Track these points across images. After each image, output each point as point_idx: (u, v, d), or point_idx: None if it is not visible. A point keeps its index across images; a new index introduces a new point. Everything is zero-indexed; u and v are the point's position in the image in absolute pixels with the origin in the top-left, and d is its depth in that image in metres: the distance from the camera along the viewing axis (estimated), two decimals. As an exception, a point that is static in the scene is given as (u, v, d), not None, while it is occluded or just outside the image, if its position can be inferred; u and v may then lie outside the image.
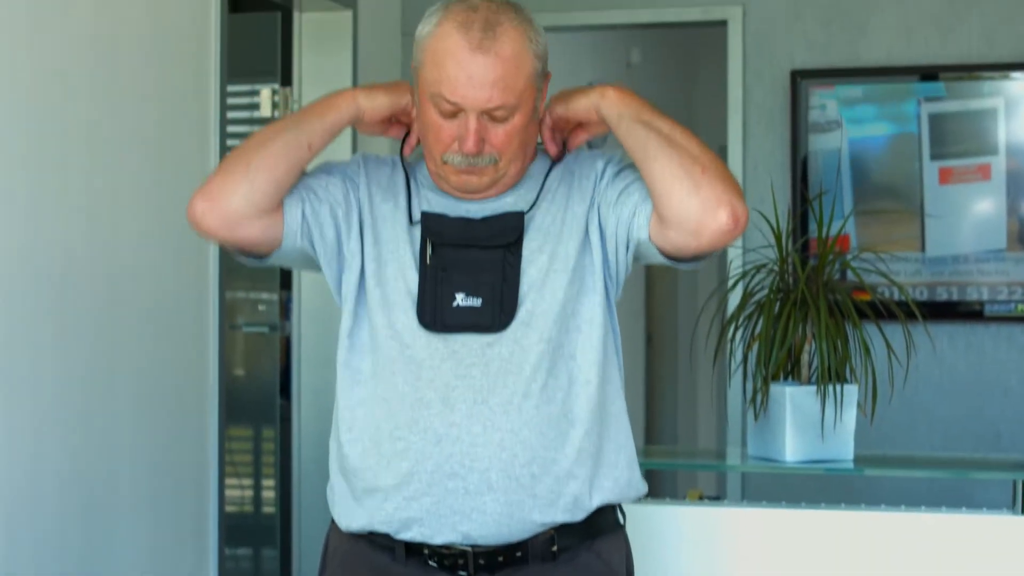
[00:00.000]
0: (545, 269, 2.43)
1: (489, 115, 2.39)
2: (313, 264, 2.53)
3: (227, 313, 4.76)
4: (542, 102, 2.50)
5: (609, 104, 2.47)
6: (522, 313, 2.40)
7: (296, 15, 5.44)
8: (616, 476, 2.46)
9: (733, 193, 2.36)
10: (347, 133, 5.45)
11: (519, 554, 2.39)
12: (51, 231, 3.73)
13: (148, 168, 4.18)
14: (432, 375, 2.37)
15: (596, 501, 2.43)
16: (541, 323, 2.40)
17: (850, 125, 5.61)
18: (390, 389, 2.39)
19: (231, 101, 4.93)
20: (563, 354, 2.41)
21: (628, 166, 2.50)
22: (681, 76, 9.52)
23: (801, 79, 5.64)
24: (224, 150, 4.54)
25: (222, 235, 2.43)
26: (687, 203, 2.36)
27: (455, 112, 2.40)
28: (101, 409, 3.93)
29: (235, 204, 2.41)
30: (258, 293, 5.71)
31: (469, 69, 2.38)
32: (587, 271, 2.46)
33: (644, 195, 2.44)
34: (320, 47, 5.45)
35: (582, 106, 2.50)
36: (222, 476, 4.53)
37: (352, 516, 2.45)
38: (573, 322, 2.43)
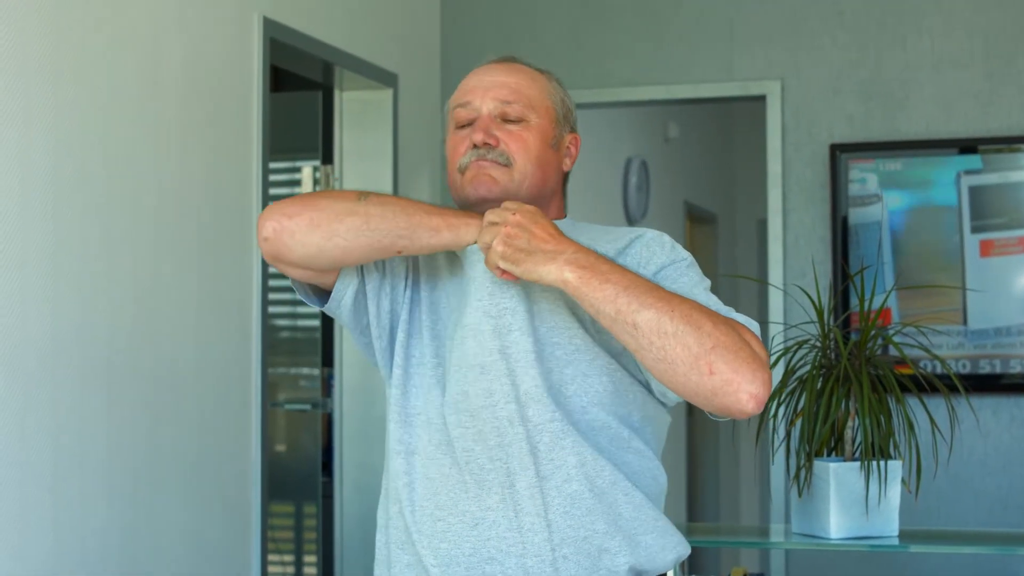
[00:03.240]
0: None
1: (501, 116, 2.41)
2: (360, 324, 2.48)
3: (269, 390, 4.77)
4: (567, 157, 2.50)
5: (573, 292, 2.22)
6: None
7: (337, 93, 5.49)
8: (649, 543, 2.37)
9: (757, 364, 2.16)
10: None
11: None
12: (98, 310, 3.76)
13: (192, 245, 4.21)
14: (467, 456, 2.33)
15: (632, 570, 2.38)
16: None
17: (890, 198, 5.61)
18: (431, 467, 2.38)
19: (273, 178, 4.97)
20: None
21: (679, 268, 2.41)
22: (719, 150, 9.55)
23: (840, 153, 5.64)
24: (266, 228, 4.56)
25: (269, 259, 2.38)
26: (697, 389, 2.16)
27: (470, 119, 2.43)
28: (146, 485, 3.94)
29: (295, 252, 2.32)
30: (299, 369, 5.73)
31: (484, 76, 2.46)
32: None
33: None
34: (361, 125, 5.49)
35: (539, 278, 2.25)
36: (264, 552, 4.53)
37: None
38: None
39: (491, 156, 2.38)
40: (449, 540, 2.33)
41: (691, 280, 2.35)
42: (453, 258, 2.46)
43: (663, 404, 2.38)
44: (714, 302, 2.30)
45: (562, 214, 2.52)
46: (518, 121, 2.41)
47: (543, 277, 2.21)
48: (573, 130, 2.52)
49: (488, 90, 2.44)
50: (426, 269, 2.48)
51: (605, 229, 2.48)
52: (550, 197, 2.47)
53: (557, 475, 2.29)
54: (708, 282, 2.38)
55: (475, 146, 2.40)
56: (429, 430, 2.38)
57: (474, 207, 2.40)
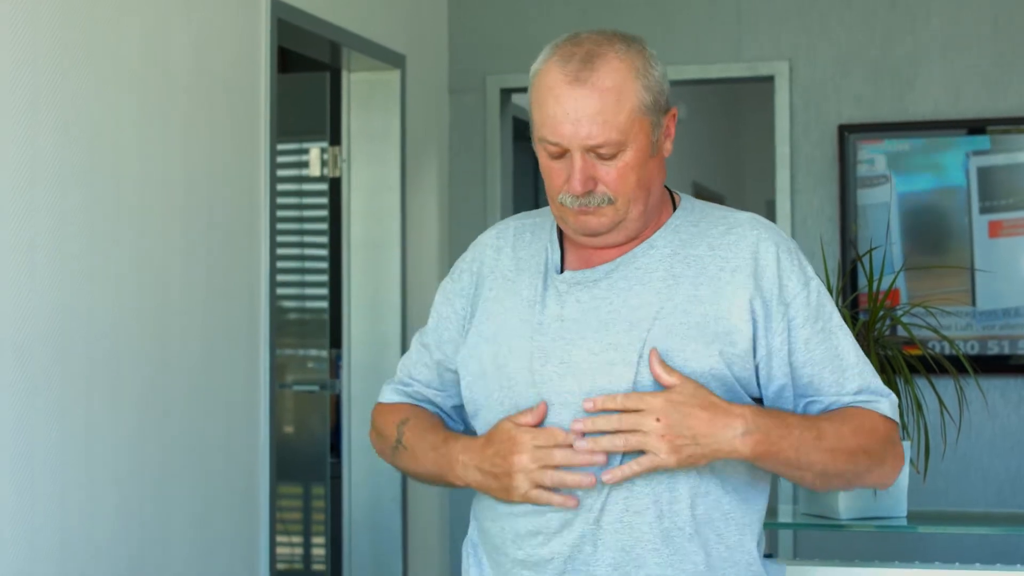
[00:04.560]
0: None
1: (595, 153, 2.30)
2: None
3: (277, 371, 4.77)
4: (667, 139, 2.38)
5: (747, 455, 2.29)
6: None
7: (344, 75, 5.49)
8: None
9: (897, 459, 2.38)
10: (395, 143, 5.48)
11: None
12: (105, 294, 3.76)
13: (198, 226, 4.21)
14: None
15: None
16: None
17: (898, 179, 5.60)
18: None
19: (281, 160, 4.97)
20: None
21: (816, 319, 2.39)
22: (727, 131, 9.54)
23: (849, 134, 5.63)
24: (274, 208, 4.58)
25: None
26: (868, 488, 2.47)
27: (562, 152, 2.31)
28: (154, 468, 3.95)
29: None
30: (307, 350, 5.74)
31: (566, 105, 2.30)
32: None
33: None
34: (369, 106, 5.49)
35: (714, 450, 2.28)
36: (273, 534, 4.54)
37: None
38: None
39: (592, 203, 2.31)
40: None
41: (833, 327, 2.38)
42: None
43: None
44: (857, 358, 2.38)
45: (669, 201, 2.44)
46: (612, 157, 2.30)
47: (718, 457, 2.28)
48: (668, 108, 2.38)
49: (576, 130, 2.29)
50: None
51: (723, 217, 2.41)
52: (658, 196, 2.40)
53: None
54: (838, 314, 2.41)
55: (574, 194, 2.32)
56: None
57: (583, 240, 2.38)
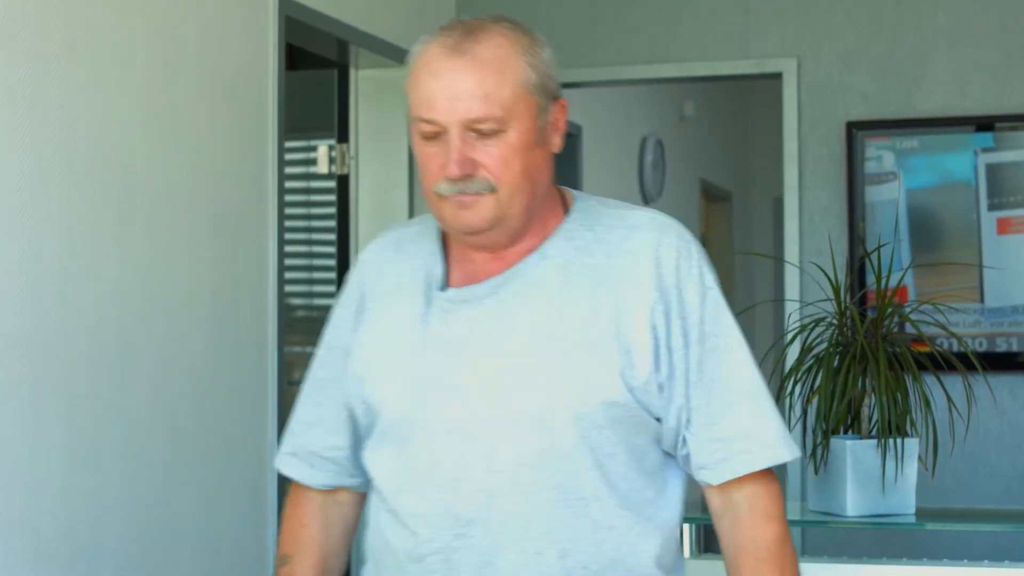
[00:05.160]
0: None
1: (475, 131, 2.08)
2: None
3: (285, 368, 4.77)
4: (556, 132, 2.18)
5: None
6: None
7: (352, 72, 5.49)
8: None
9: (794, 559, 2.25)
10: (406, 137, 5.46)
11: None
12: (112, 291, 3.76)
13: (207, 224, 4.21)
14: None
15: None
16: None
17: (906, 176, 5.59)
18: None
19: (289, 157, 4.97)
20: None
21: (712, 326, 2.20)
22: (735, 128, 9.53)
23: (857, 130, 5.63)
24: (282, 205, 4.57)
25: None
26: None
27: (439, 132, 2.09)
28: (162, 466, 3.95)
29: None
30: (315, 347, 5.73)
31: (444, 79, 2.08)
32: None
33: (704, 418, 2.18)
34: (376, 103, 5.49)
35: None
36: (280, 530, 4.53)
37: None
38: None
39: (471, 189, 2.09)
40: None
41: (730, 346, 2.21)
42: None
43: None
44: (753, 387, 2.21)
45: (560, 203, 2.23)
46: (494, 135, 2.08)
47: None
48: (556, 97, 2.18)
49: (453, 104, 2.07)
50: None
51: (621, 218, 2.22)
52: (545, 195, 2.19)
53: None
54: (738, 332, 2.25)
55: (451, 178, 2.10)
56: None
57: (461, 239, 2.18)
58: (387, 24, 5.36)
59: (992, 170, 5.53)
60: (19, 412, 3.42)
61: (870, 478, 3.57)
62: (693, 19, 5.83)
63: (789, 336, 3.91)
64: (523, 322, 2.13)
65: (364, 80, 5.49)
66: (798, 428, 3.83)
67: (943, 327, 3.85)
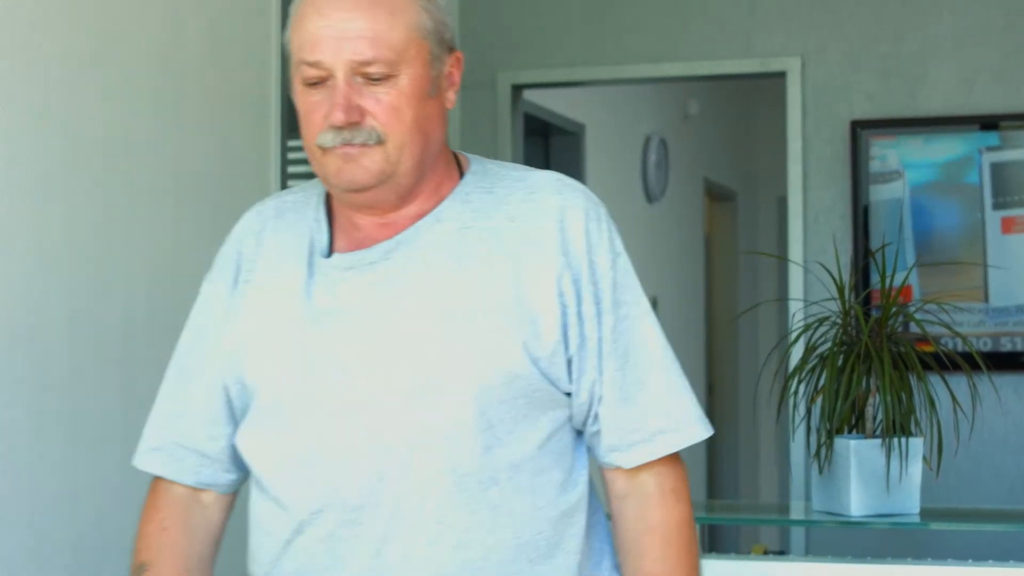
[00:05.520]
0: None
1: (363, 75, 1.91)
2: None
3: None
4: (450, 87, 2.02)
5: None
6: None
7: (356, 71, 5.48)
8: None
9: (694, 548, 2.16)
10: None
11: None
12: (115, 288, 3.76)
13: (209, 222, 4.21)
14: None
15: None
16: None
17: (911, 175, 5.58)
18: None
19: (291, 156, 4.96)
20: None
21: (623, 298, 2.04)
22: (739, 127, 9.52)
23: (861, 129, 5.62)
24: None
25: None
26: None
27: (323, 78, 1.92)
28: (164, 464, 3.95)
29: None
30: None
31: (330, 17, 1.92)
32: None
33: (618, 396, 2.03)
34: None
35: None
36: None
37: None
38: None
39: (358, 139, 1.92)
40: None
41: (640, 314, 2.05)
42: None
43: None
44: (658, 344, 2.06)
45: (455, 167, 2.07)
46: (383, 80, 1.92)
47: None
48: (452, 49, 2.02)
49: (340, 45, 1.91)
50: None
51: (522, 179, 2.06)
52: (437, 154, 2.01)
53: None
54: (646, 301, 2.07)
55: (336, 126, 1.93)
56: None
57: (346, 198, 2.00)
58: (390, 23, 5.35)
59: (997, 169, 5.52)
60: (24, 414, 3.42)
61: (874, 478, 3.57)
62: (697, 18, 5.82)
63: (793, 335, 3.90)
64: (415, 291, 1.95)
65: (367, 79, 5.48)
66: (802, 428, 3.82)
67: (947, 326, 3.85)
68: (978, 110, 5.56)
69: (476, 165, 2.07)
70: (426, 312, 1.94)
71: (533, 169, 2.09)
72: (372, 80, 1.92)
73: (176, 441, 2.16)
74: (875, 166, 5.60)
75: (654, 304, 7.99)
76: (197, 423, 2.12)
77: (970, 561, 3.58)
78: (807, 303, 4.00)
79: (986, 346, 5.49)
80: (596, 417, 2.03)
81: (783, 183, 5.80)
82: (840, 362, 3.65)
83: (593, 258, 2.00)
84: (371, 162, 1.93)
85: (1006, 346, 5.50)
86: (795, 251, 5.62)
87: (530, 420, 1.97)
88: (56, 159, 3.56)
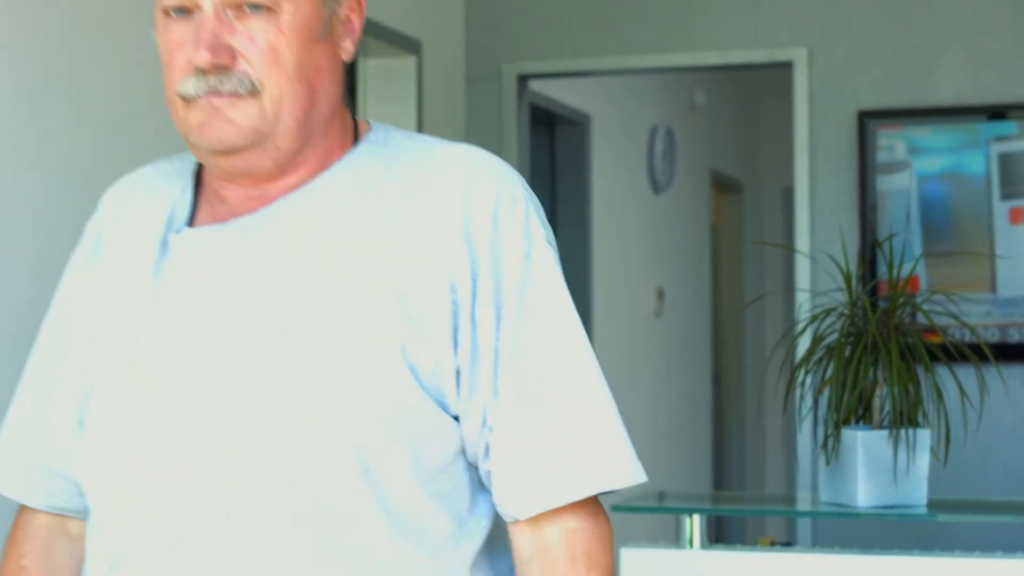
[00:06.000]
0: None
1: (235, 8, 1.57)
2: None
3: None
4: (348, 35, 1.69)
5: None
6: None
7: (360, 61, 5.47)
8: None
9: None
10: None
11: None
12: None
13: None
14: None
15: None
16: None
17: (918, 165, 5.57)
18: None
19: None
20: None
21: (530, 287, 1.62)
22: (745, 118, 9.50)
23: (868, 120, 5.60)
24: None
25: None
26: None
27: (187, 9, 1.58)
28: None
29: None
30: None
31: None
32: None
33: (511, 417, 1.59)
34: (385, 93, 5.47)
35: None
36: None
37: None
38: None
39: (227, 87, 1.56)
40: None
41: (562, 323, 1.62)
42: None
43: None
44: (578, 362, 1.63)
45: (351, 134, 1.69)
46: (261, 12, 1.57)
47: None
48: None
49: None
50: None
51: (428, 151, 1.69)
52: (328, 116, 1.65)
53: None
54: (572, 312, 1.64)
55: (200, 70, 1.57)
56: None
57: (213, 162, 1.63)
58: (396, 13, 5.34)
59: (1005, 159, 5.50)
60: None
61: (882, 469, 3.56)
62: (703, 8, 5.80)
63: (800, 326, 3.89)
64: (274, 277, 1.58)
65: (372, 69, 5.47)
66: (809, 419, 3.81)
67: (956, 317, 3.83)
68: (986, 100, 5.54)
69: (377, 134, 1.70)
70: (283, 304, 1.57)
71: (447, 141, 1.72)
72: (247, 14, 1.57)
73: (29, 458, 1.72)
74: (882, 156, 5.58)
75: (660, 296, 8.01)
76: (49, 433, 1.70)
77: (978, 553, 3.57)
78: (814, 294, 3.98)
79: (994, 337, 5.47)
80: (487, 451, 1.59)
81: (789, 174, 5.78)
82: (847, 353, 3.64)
83: (499, 249, 1.59)
84: (242, 116, 1.57)
85: (1014, 337, 5.48)
86: (802, 242, 5.61)
87: (410, 448, 1.56)
88: (58, 158, 3.55)
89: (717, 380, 9.05)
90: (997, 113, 5.52)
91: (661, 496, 3.85)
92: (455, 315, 1.58)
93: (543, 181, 6.78)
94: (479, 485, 1.63)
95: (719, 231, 9.30)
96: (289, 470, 1.54)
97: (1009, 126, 5.51)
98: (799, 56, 5.70)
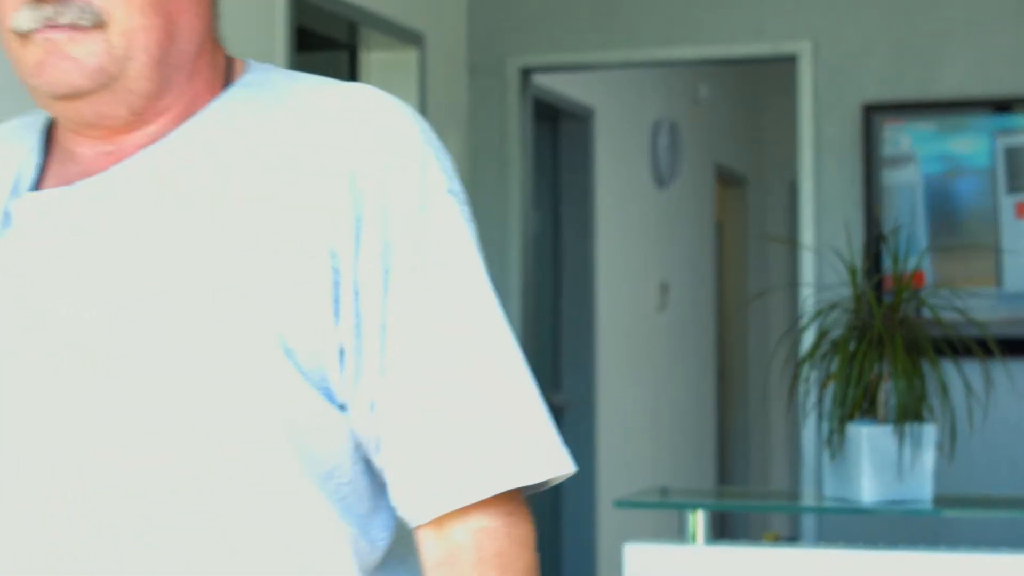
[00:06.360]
0: None
1: None
2: None
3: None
4: None
5: None
6: None
7: (362, 54, 5.45)
8: None
9: None
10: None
11: None
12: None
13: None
14: None
15: None
16: None
17: (924, 159, 5.54)
18: None
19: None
20: None
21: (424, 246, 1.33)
22: (750, 112, 9.48)
23: (873, 113, 5.57)
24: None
25: None
26: None
27: None
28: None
29: None
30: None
31: None
32: None
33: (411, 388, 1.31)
34: (386, 87, 5.41)
35: None
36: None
37: None
38: None
39: (65, 18, 1.31)
40: None
41: (470, 290, 1.35)
42: None
43: None
44: (488, 334, 1.34)
45: (222, 75, 1.45)
46: None
47: None
48: None
49: None
50: None
51: (312, 91, 1.40)
52: (194, 52, 1.41)
53: None
54: (483, 279, 1.37)
55: None
56: None
57: (56, 109, 1.39)
58: (397, 5, 5.31)
59: (1011, 153, 5.47)
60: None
61: (886, 464, 3.54)
62: (708, 1, 5.78)
63: (805, 320, 3.87)
64: (126, 247, 1.33)
65: (374, 62, 5.45)
66: (814, 414, 3.79)
67: (962, 312, 3.81)
68: (992, 93, 5.51)
69: (255, 75, 1.45)
70: (133, 277, 1.32)
71: (340, 83, 1.42)
72: None
73: None
74: (887, 150, 5.56)
75: (664, 290, 8.00)
76: None
77: (983, 549, 3.55)
78: (818, 288, 3.96)
79: (999, 331, 5.45)
80: (380, 443, 1.33)
81: (794, 168, 5.76)
82: (852, 347, 3.62)
83: (389, 201, 1.31)
84: (84, 53, 1.32)
85: (1020, 331, 5.46)
86: (806, 236, 5.58)
87: (294, 445, 1.31)
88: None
89: (721, 375, 9.03)
90: (1003, 106, 5.50)
91: (664, 491, 3.83)
92: (336, 283, 1.30)
93: (546, 176, 6.76)
94: (381, 486, 1.37)
95: (723, 225, 9.28)
96: (154, 477, 1.30)
97: (1016, 119, 5.48)
98: (804, 49, 5.67)
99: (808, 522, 5.49)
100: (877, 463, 3.54)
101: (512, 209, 5.85)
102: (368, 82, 5.44)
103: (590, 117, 6.99)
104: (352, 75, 5.51)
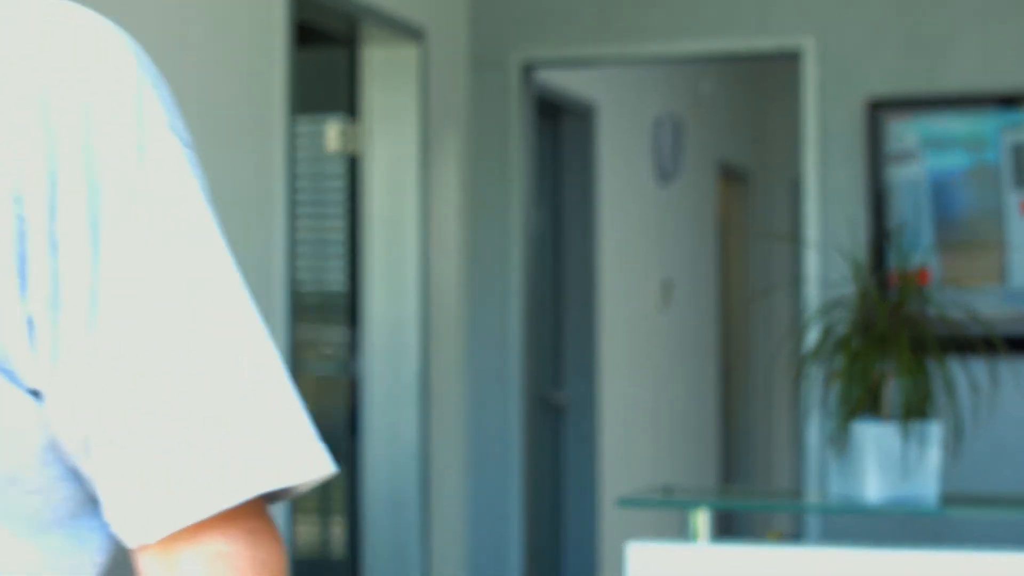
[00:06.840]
0: None
1: None
2: None
3: (296, 353, 4.72)
4: None
5: None
6: None
7: (362, 49, 5.42)
8: None
9: None
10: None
11: None
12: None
13: (215, 203, 4.15)
14: None
15: None
16: None
17: (929, 155, 5.51)
18: None
19: (298, 136, 4.90)
20: None
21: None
22: (753, 107, 9.46)
23: (878, 109, 5.54)
24: (291, 185, 4.51)
25: None
26: None
27: None
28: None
29: None
30: (325, 331, 5.68)
31: None
32: None
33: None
34: (387, 81, 5.42)
35: None
36: (292, 518, 4.48)
37: None
38: None
39: None
40: None
41: (202, 249, 1.11)
42: None
43: None
44: (227, 304, 1.11)
45: None
46: None
47: None
48: None
49: None
50: None
51: (17, 15, 1.05)
52: None
53: None
54: (215, 235, 1.15)
55: None
56: None
57: None
58: (397, 0, 5.29)
59: (1018, 149, 5.44)
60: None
61: (891, 463, 3.51)
62: (710, -4, 5.76)
63: (809, 318, 3.84)
64: None
65: (375, 57, 5.42)
66: (818, 412, 3.76)
67: (967, 309, 3.78)
68: (998, 88, 5.48)
69: None
70: None
71: (55, 4, 1.09)
72: None
73: None
74: (892, 146, 5.52)
75: (666, 288, 7.97)
76: None
77: (989, 548, 3.52)
78: (823, 286, 3.92)
79: (1005, 329, 5.41)
80: (88, 448, 1.02)
81: (798, 164, 5.73)
82: (856, 345, 3.59)
83: (95, 137, 1.03)
84: None
85: (1025, 329, 5.43)
86: (810, 233, 5.55)
87: None
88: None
89: (724, 373, 9.01)
90: (1009, 101, 5.46)
91: (668, 490, 3.81)
92: (21, 234, 0.99)
93: (548, 172, 6.73)
94: (91, 498, 1.06)
95: (726, 222, 9.25)
96: None
97: (1022, 114, 5.45)
98: (807, 44, 5.64)
99: (812, 521, 5.46)
100: (882, 461, 3.51)
101: (513, 206, 5.83)
102: (369, 79, 5.41)
103: (592, 113, 6.97)
104: (352, 71, 5.49)
